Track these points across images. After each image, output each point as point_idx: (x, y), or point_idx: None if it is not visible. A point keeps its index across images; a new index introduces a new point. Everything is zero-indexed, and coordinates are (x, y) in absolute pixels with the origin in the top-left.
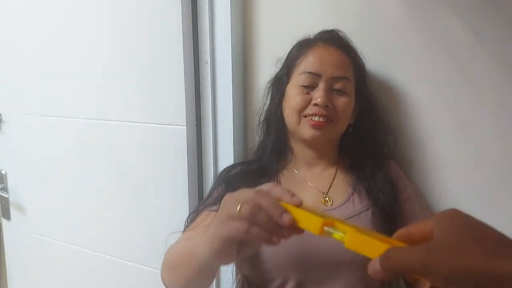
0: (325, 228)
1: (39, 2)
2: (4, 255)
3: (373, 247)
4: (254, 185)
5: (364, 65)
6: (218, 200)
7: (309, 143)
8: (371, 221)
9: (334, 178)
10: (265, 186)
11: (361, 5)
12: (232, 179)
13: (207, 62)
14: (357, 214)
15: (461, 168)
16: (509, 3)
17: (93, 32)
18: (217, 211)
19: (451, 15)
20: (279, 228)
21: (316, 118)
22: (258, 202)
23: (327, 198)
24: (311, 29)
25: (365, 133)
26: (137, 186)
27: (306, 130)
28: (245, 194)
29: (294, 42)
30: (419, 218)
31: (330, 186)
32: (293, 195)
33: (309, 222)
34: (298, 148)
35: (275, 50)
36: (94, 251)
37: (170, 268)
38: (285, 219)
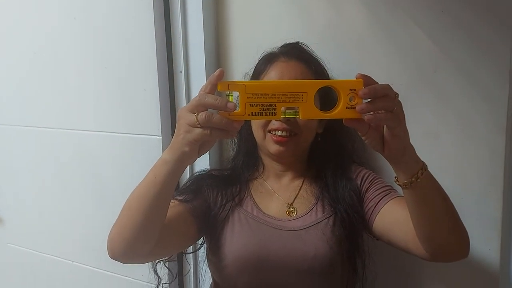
0: (282, 110)
1: (12, 12)
2: None
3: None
4: (225, 190)
5: (327, 75)
6: (183, 191)
7: (275, 157)
8: (331, 229)
9: (300, 189)
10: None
11: (328, 15)
12: (204, 175)
13: (181, 72)
14: (318, 223)
15: None
16: (468, 16)
17: (67, 43)
18: (178, 199)
19: (415, 25)
20: (231, 122)
21: (279, 133)
22: (204, 103)
23: (292, 209)
24: (281, 40)
25: (333, 141)
26: (114, 195)
27: (270, 146)
28: (192, 102)
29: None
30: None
31: (295, 197)
32: (227, 102)
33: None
34: (266, 161)
35: (246, 61)
36: (73, 261)
37: (126, 211)
38: (230, 105)
